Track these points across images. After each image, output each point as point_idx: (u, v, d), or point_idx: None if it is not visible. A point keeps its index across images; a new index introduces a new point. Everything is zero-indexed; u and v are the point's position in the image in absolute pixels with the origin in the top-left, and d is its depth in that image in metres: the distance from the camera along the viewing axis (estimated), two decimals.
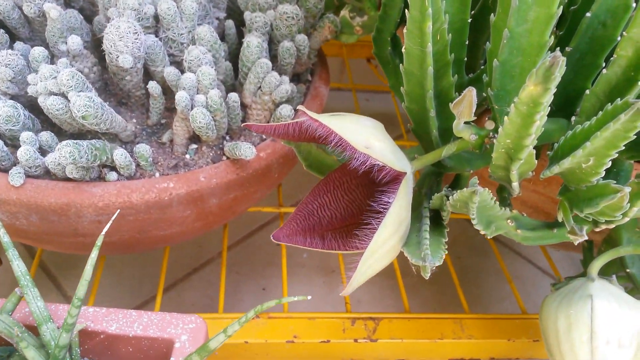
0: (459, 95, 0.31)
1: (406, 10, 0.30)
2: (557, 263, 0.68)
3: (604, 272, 0.42)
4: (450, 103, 0.30)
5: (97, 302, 0.62)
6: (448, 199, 0.33)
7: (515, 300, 0.60)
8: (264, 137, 0.48)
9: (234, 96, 0.46)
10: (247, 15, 0.50)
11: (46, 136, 0.42)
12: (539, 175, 0.34)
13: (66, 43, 0.45)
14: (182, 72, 0.45)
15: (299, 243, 0.37)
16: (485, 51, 0.34)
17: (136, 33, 0.42)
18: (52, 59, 0.45)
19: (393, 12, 0.42)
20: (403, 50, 0.32)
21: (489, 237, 0.35)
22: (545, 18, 0.28)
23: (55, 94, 0.41)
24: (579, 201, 0.32)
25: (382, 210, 0.31)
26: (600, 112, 0.27)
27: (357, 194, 0.40)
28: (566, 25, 0.36)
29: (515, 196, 0.36)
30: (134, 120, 0.48)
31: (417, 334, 0.51)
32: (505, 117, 0.27)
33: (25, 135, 0.40)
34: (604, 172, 0.29)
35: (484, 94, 0.36)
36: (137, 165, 0.43)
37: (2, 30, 0.45)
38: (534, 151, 0.30)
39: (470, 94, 0.29)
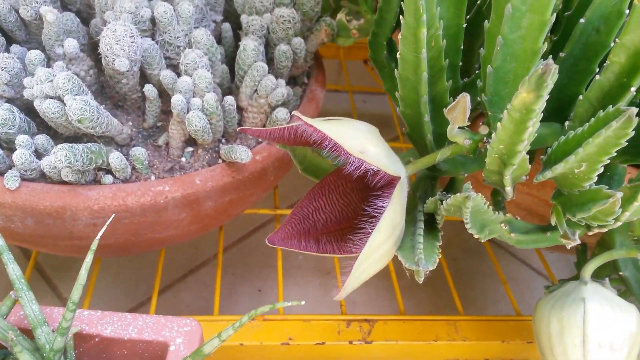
0: (454, 100, 0.31)
1: (401, 17, 0.30)
2: (552, 264, 0.68)
3: (598, 275, 0.42)
4: (444, 108, 0.31)
5: (93, 304, 0.62)
6: (442, 203, 0.33)
7: (509, 301, 0.60)
8: (259, 139, 0.48)
9: (230, 99, 0.46)
10: (244, 18, 0.50)
11: (42, 139, 0.42)
12: (533, 179, 0.34)
13: (63, 46, 0.44)
14: (179, 75, 0.45)
15: (294, 247, 0.37)
16: (481, 52, 0.34)
17: (132, 36, 0.42)
18: (49, 61, 0.46)
19: (389, 17, 0.42)
20: (398, 56, 0.32)
21: (482, 241, 0.35)
22: (539, 25, 0.28)
23: (52, 97, 0.41)
24: (571, 206, 0.32)
25: (376, 214, 0.32)
26: (593, 118, 0.27)
27: (352, 198, 0.40)
28: (561, 30, 0.36)
29: (510, 199, 0.36)
30: (130, 123, 0.48)
31: (411, 336, 0.51)
32: (498, 124, 0.27)
33: (21, 139, 0.40)
34: (597, 176, 0.30)
35: (478, 98, 0.36)
36: (133, 168, 0.44)
37: None
38: (527, 156, 0.30)
39: (464, 100, 0.29)
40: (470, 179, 0.43)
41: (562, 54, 0.34)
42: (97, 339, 0.38)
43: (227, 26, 0.52)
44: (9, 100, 0.44)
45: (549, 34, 0.31)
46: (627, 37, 0.29)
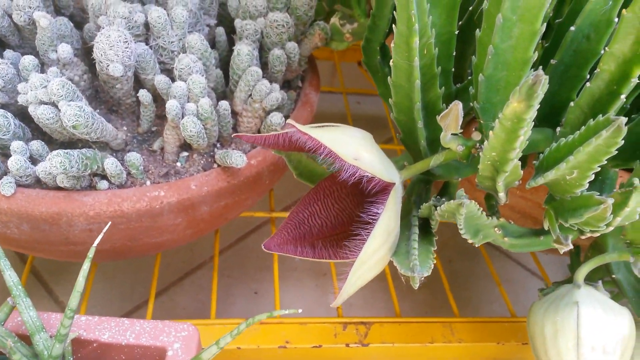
0: (447, 106, 0.31)
1: (394, 26, 0.30)
2: (546, 266, 0.69)
3: (591, 278, 0.43)
4: (437, 115, 0.31)
5: (89, 308, 0.62)
6: (436, 209, 0.34)
7: (504, 302, 0.60)
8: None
9: (224, 104, 0.46)
10: (238, 22, 0.50)
11: (37, 145, 0.42)
12: (525, 183, 0.35)
13: (56, 51, 0.45)
14: (173, 80, 0.45)
15: (290, 252, 0.37)
16: (472, 59, 0.34)
17: (126, 42, 0.43)
18: (42, 66, 0.46)
19: (382, 23, 0.43)
20: (391, 63, 0.32)
21: (477, 245, 0.35)
22: (529, 35, 0.29)
23: (46, 103, 0.41)
24: (564, 211, 0.32)
25: (371, 220, 0.32)
26: (583, 126, 0.27)
27: (347, 203, 0.40)
28: (552, 37, 0.37)
29: (503, 204, 0.36)
30: (125, 128, 0.48)
31: (407, 338, 0.52)
32: (490, 132, 0.27)
33: (15, 145, 0.40)
34: (589, 181, 0.30)
35: (470, 104, 0.36)
36: (128, 173, 0.44)
37: None
38: (519, 163, 0.30)
39: (456, 108, 0.29)
40: (464, 182, 0.43)
41: (553, 61, 0.35)
42: (95, 345, 0.38)
43: (220, 30, 0.52)
44: (3, 106, 0.44)
45: (540, 40, 0.31)
46: (616, 46, 0.29)
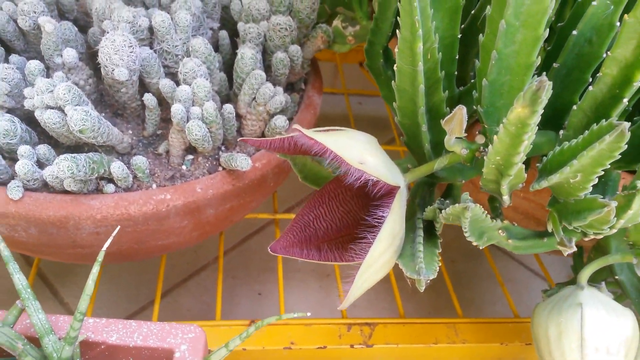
0: (450, 109, 0.32)
1: (397, 31, 0.30)
2: (549, 266, 0.69)
3: (594, 279, 0.43)
4: (441, 120, 0.31)
5: (95, 309, 0.63)
6: (441, 212, 0.34)
7: (507, 302, 0.61)
8: None
9: (229, 107, 0.46)
10: (241, 26, 0.51)
11: (44, 149, 0.42)
12: (529, 185, 0.35)
13: (61, 56, 0.45)
14: (177, 83, 0.46)
15: (295, 255, 0.38)
16: (476, 64, 0.35)
17: (131, 46, 0.43)
18: (48, 71, 0.46)
19: (385, 26, 0.43)
20: (395, 68, 0.32)
21: (481, 248, 0.36)
22: (532, 40, 0.29)
23: (52, 108, 0.41)
24: (567, 214, 0.33)
25: (377, 224, 0.32)
26: (587, 131, 0.28)
27: (352, 205, 0.40)
28: (554, 40, 0.37)
29: (507, 206, 0.37)
30: (130, 132, 0.48)
31: (412, 339, 0.52)
32: (495, 136, 0.28)
33: (23, 149, 0.41)
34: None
35: (474, 107, 0.37)
36: (135, 177, 0.44)
37: None
38: (523, 166, 0.30)
39: (460, 113, 0.29)
40: (467, 184, 0.43)
41: (555, 65, 0.35)
42: (102, 347, 0.39)
43: (224, 34, 0.53)
44: (9, 111, 0.44)
45: (543, 44, 0.31)
46: (618, 51, 0.30)
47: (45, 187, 0.42)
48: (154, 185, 0.44)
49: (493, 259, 0.68)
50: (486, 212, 0.32)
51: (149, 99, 0.45)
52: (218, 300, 0.54)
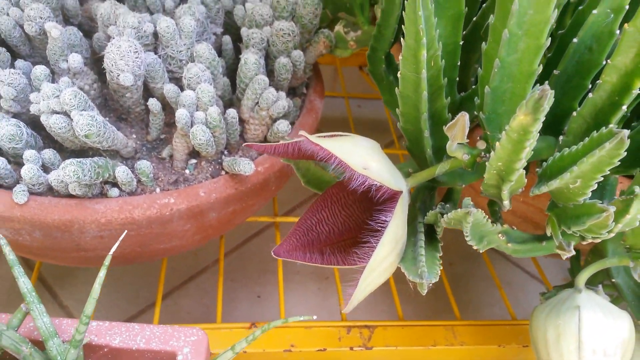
0: (451, 114, 0.32)
1: (401, 39, 0.31)
2: (545, 269, 0.70)
3: (591, 282, 0.44)
4: (444, 126, 0.32)
5: (96, 311, 0.63)
6: (442, 216, 0.35)
7: (504, 305, 0.61)
8: None
9: (232, 112, 0.47)
10: (244, 31, 0.51)
11: (49, 154, 0.42)
12: (528, 189, 0.36)
13: (67, 61, 0.45)
14: (181, 88, 0.46)
15: (298, 258, 0.38)
16: (476, 69, 0.35)
17: (137, 52, 0.43)
18: (53, 76, 0.46)
19: (387, 32, 0.44)
20: (399, 75, 0.33)
21: (481, 251, 0.36)
22: (534, 49, 0.30)
23: (58, 113, 0.42)
24: (566, 218, 0.33)
25: (379, 228, 0.33)
26: (587, 137, 0.28)
27: (354, 209, 0.41)
28: (554, 47, 0.38)
29: (506, 210, 0.37)
30: (134, 136, 0.49)
31: (411, 341, 0.53)
32: (497, 143, 0.28)
33: (28, 154, 0.41)
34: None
35: (475, 112, 0.37)
36: (139, 181, 0.44)
37: (3, 49, 0.46)
38: (524, 172, 0.31)
39: (463, 119, 0.30)
40: (466, 187, 0.44)
41: (556, 71, 0.36)
42: (106, 350, 0.39)
43: (227, 39, 0.53)
44: (15, 115, 0.44)
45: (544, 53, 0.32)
46: (618, 59, 0.30)
47: (49, 191, 0.42)
48: (158, 190, 0.45)
49: (490, 262, 0.69)
50: (487, 216, 0.33)
51: (153, 103, 0.46)
52: (219, 303, 0.55)
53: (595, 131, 0.28)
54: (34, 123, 0.45)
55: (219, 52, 0.53)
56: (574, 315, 0.39)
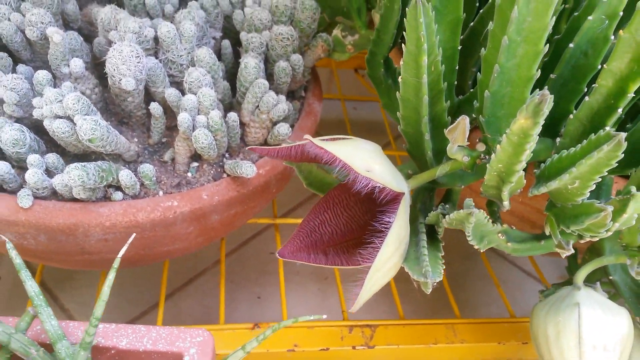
0: (451, 117, 0.33)
1: (403, 45, 0.32)
2: (542, 267, 0.71)
3: (589, 279, 0.45)
4: (445, 129, 0.33)
5: None
6: (444, 217, 0.35)
7: (503, 303, 0.62)
8: None
9: (233, 116, 0.47)
10: (244, 35, 0.52)
11: (52, 158, 0.43)
12: (526, 190, 0.37)
13: (68, 65, 0.46)
14: (182, 92, 0.47)
15: (303, 259, 0.39)
16: (474, 72, 0.36)
17: (138, 57, 0.44)
18: (55, 80, 0.47)
19: (386, 37, 0.44)
20: (400, 79, 0.34)
21: (482, 251, 0.37)
22: (533, 54, 0.30)
23: (61, 117, 0.42)
24: (565, 218, 0.34)
25: (383, 229, 0.33)
26: (585, 140, 0.29)
27: (355, 211, 0.42)
28: (551, 52, 0.39)
29: (505, 210, 0.38)
30: (136, 140, 0.49)
31: (412, 339, 0.53)
32: (498, 146, 0.29)
33: (32, 158, 0.41)
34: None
35: (473, 115, 0.38)
36: (142, 184, 0.45)
37: (5, 54, 0.46)
38: (524, 173, 0.32)
39: (464, 123, 0.31)
40: (465, 188, 0.45)
41: (552, 76, 0.37)
42: (113, 351, 0.40)
43: (226, 43, 0.54)
44: (18, 120, 0.45)
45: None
46: (613, 64, 0.31)
47: (53, 195, 0.43)
48: (161, 193, 0.45)
49: (488, 261, 0.70)
50: (488, 216, 0.33)
51: (155, 108, 0.46)
52: (221, 304, 0.55)
53: (592, 134, 0.28)
54: (37, 127, 0.45)
55: (219, 56, 0.54)
56: (573, 312, 0.39)
